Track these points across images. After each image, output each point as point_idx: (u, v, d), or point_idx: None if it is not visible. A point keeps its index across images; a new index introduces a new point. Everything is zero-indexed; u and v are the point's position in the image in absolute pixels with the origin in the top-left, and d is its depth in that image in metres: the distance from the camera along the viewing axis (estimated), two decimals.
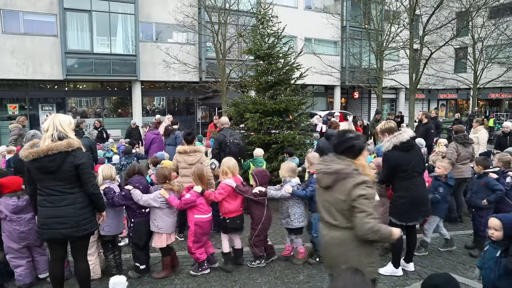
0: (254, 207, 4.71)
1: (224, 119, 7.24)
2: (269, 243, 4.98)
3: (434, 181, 5.44)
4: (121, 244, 5.50)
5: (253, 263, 4.78)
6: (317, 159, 5.01)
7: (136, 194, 4.28)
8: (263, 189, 4.64)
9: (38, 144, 3.42)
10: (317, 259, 4.84)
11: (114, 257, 4.60)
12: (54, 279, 3.68)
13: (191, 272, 4.60)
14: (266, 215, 4.72)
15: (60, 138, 3.38)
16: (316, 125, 12.18)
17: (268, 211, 4.76)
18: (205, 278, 4.51)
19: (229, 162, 4.75)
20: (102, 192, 4.11)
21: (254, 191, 4.64)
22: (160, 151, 8.14)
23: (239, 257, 4.82)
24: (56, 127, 3.41)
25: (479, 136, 8.80)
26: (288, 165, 4.93)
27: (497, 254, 3.00)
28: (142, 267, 4.45)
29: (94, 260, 4.28)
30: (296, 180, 4.85)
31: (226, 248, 4.74)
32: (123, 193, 4.32)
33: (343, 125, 10.04)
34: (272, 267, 4.79)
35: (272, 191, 4.68)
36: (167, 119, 10.95)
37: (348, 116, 17.85)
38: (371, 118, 22.80)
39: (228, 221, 4.62)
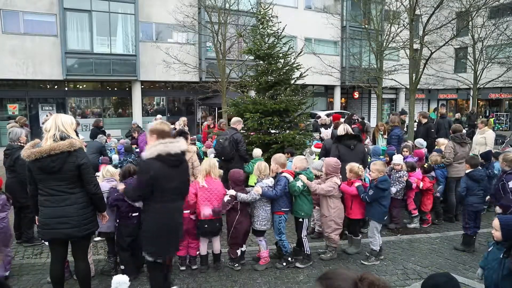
0: (227, 210, 4.68)
1: (234, 119, 7.18)
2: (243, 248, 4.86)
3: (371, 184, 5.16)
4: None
5: (229, 263, 4.78)
6: (304, 162, 4.99)
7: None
8: (234, 192, 4.57)
9: (40, 144, 3.42)
10: (284, 264, 4.76)
11: (115, 258, 4.61)
12: (54, 279, 3.67)
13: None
14: (238, 219, 4.63)
15: (62, 138, 3.40)
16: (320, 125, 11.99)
17: (242, 215, 4.63)
18: (205, 278, 4.52)
19: (206, 162, 4.76)
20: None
21: (225, 197, 4.57)
22: None
23: (215, 261, 4.76)
24: (58, 127, 3.43)
25: (487, 136, 8.73)
26: (260, 165, 4.85)
27: (501, 255, 2.99)
28: (121, 266, 4.40)
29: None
30: (268, 181, 4.73)
31: (202, 250, 4.71)
32: (115, 194, 4.29)
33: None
34: (272, 267, 4.79)
35: (243, 195, 4.58)
36: (183, 122, 11.08)
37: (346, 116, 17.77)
38: (374, 119, 22.79)
39: (198, 223, 4.63)
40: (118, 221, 4.40)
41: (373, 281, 1.26)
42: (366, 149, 6.58)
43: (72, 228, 3.45)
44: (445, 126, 10.38)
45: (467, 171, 5.54)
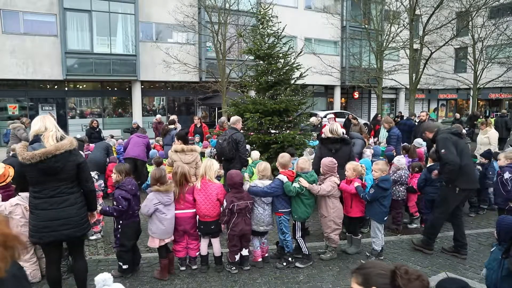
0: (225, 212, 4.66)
1: (233, 118, 7.16)
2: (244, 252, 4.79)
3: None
4: (93, 237, 5.75)
5: (227, 266, 4.72)
6: (306, 163, 4.93)
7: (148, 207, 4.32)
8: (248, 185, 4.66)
9: (42, 145, 3.30)
10: (284, 264, 4.74)
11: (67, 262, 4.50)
12: (52, 280, 3.66)
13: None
14: (234, 221, 4.58)
15: (61, 138, 3.40)
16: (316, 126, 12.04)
17: (238, 218, 4.57)
18: (205, 278, 4.51)
19: (202, 164, 4.74)
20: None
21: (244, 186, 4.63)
22: (132, 152, 8.41)
23: (217, 264, 4.72)
24: (55, 127, 3.43)
25: (490, 136, 8.95)
26: (261, 166, 4.82)
27: (500, 256, 2.99)
28: (124, 266, 4.39)
29: (29, 266, 4.13)
30: (258, 182, 4.70)
31: (202, 250, 4.71)
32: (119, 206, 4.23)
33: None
34: (272, 267, 4.79)
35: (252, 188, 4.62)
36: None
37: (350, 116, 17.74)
38: (372, 118, 22.78)
39: (197, 223, 4.65)
40: (121, 222, 4.33)
41: (407, 269, 1.34)
42: (353, 152, 6.06)
43: (72, 229, 3.46)
44: (502, 124, 12.54)
45: (428, 165, 6.08)
